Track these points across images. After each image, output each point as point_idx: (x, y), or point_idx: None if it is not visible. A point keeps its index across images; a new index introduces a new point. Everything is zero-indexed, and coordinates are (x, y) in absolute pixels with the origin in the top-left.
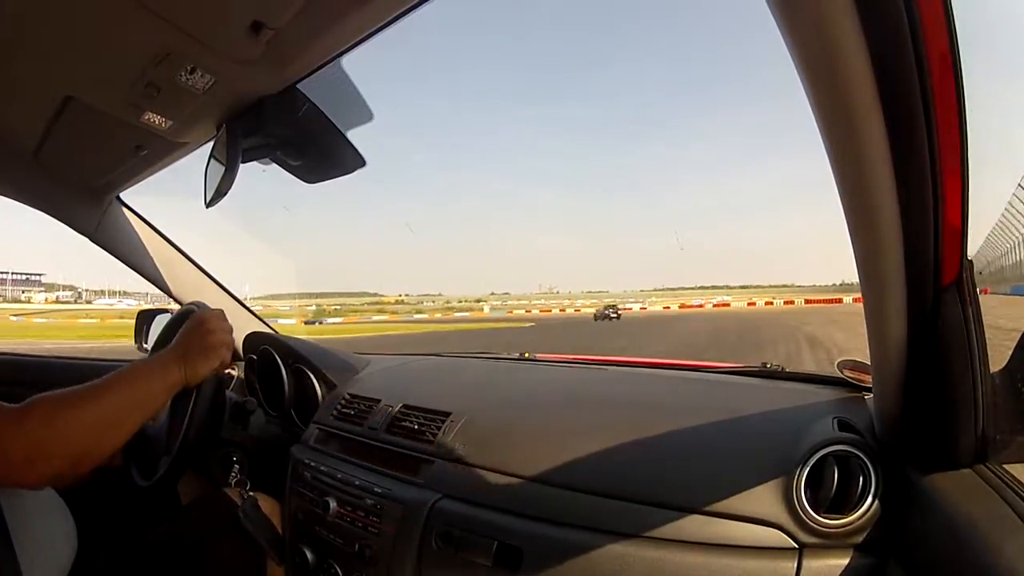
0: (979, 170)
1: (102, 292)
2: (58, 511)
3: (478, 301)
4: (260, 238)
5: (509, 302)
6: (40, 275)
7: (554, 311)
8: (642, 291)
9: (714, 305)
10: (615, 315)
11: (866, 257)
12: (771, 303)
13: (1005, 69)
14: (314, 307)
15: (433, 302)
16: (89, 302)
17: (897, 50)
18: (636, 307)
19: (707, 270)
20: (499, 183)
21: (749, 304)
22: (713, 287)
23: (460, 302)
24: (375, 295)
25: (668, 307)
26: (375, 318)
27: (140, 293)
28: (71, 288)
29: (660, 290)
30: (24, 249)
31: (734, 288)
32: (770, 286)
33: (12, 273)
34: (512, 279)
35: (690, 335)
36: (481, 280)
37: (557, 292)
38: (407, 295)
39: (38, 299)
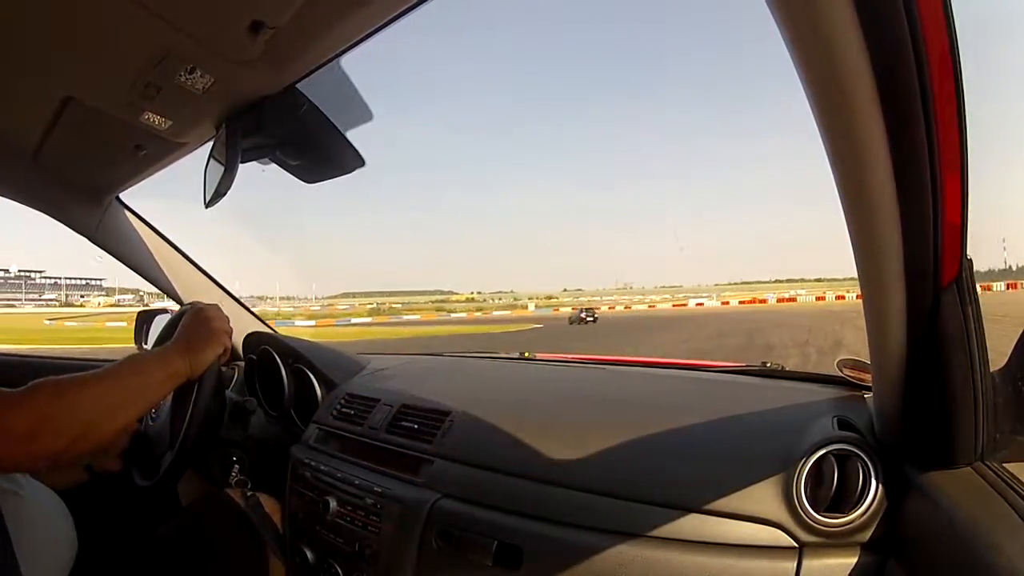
0: (980, 170)
1: (162, 295)
2: (58, 513)
3: (549, 298)
4: (344, 240)
5: (581, 299)
6: (100, 280)
7: (602, 308)
8: (716, 285)
9: (777, 300)
10: (591, 319)
11: (866, 256)
12: (842, 297)
13: (1005, 69)
14: (374, 305)
15: (501, 299)
16: (147, 305)
17: (897, 50)
18: (692, 303)
19: (783, 263)
20: (574, 185)
21: (818, 299)
22: (789, 280)
23: (529, 299)
24: (448, 292)
25: (727, 302)
26: (406, 317)
27: None
28: (134, 292)
29: (735, 284)
30: (94, 258)
31: (809, 280)
32: (845, 279)
33: (66, 279)
34: (587, 276)
35: None
36: (556, 277)
37: (631, 287)
38: (479, 292)
39: (94, 303)
